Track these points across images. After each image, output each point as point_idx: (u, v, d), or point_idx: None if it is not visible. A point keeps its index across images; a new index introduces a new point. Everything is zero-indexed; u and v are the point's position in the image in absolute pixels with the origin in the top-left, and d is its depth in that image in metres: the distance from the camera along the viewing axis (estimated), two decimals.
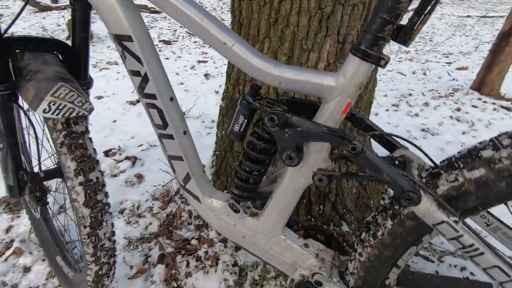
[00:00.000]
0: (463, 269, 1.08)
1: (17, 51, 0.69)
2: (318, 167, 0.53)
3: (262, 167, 0.60)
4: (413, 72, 3.62)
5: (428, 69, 3.76)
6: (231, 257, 1.10)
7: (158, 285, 1.03)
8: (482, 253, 0.42)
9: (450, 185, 0.44)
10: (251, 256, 1.10)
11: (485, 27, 7.40)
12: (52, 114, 0.61)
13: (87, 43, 0.74)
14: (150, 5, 6.51)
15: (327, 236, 0.71)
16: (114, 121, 2.18)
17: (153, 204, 1.37)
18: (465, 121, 2.27)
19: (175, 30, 5.52)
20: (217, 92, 2.71)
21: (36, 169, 0.91)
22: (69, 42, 0.74)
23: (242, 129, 0.56)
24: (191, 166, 0.65)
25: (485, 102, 2.63)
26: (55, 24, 5.19)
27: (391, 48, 4.65)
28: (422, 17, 0.39)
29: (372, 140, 0.64)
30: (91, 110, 0.66)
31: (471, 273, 1.07)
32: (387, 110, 2.49)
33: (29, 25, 5.00)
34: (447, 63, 4.15)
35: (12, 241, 1.20)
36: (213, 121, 2.17)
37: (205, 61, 3.72)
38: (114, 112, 2.29)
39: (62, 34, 4.40)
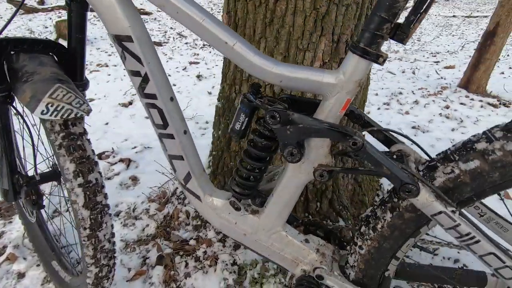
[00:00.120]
0: (456, 261, 1.11)
1: (12, 52, 0.68)
2: (319, 163, 0.54)
3: (263, 164, 0.61)
4: (402, 71, 3.69)
5: (417, 68, 3.84)
6: (230, 256, 1.10)
7: (157, 287, 1.03)
8: (478, 241, 0.44)
9: (446, 177, 0.46)
10: (250, 254, 1.11)
11: (470, 27, 7.60)
12: (50, 115, 0.61)
13: (84, 44, 0.74)
14: (139, 6, 6.44)
15: (326, 231, 0.72)
16: (107, 123, 2.16)
17: (149, 206, 1.36)
18: (454, 118, 2.33)
19: (165, 32, 5.49)
20: (210, 93, 2.71)
21: (28, 173, 0.89)
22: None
23: (243, 127, 0.57)
24: (191, 165, 0.65)
25: (472, 99, 2.70)
26: (42, 26, 5.10)
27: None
28: (418, 16, 0.41)
29: (369, 136, 0.66)
30: (89, 111, 0.66)
31: (464, 265, 1.10)
32: (378, 108, 2.54)
33: (15, 27, 4.90)
34: (435, 62, 4.26)
35: (5, 247, 1.17)
36: (207, 122, 2.17)
37: (197, 62, 3.71)
38: (106, 114, 2.26)
39: (50, 36, 4.33)
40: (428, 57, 4.59)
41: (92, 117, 2.19)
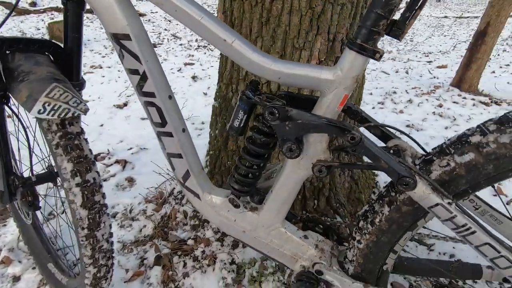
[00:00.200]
0: (452, 256, 1.13)
1: (7, 52, 0.68)
2: (318, 159, 0.55)
3: (261, 161, 0.61)
4: (396, 71, 3.74)
5: (410, 68, 3.89)
6: (228, 256, 1.10)
7: (155, 287, 1.03)
8: (474, 232, 0.45)
9: (442, 170, 0.47)
10: (248, 253, 1.11)
11: (461, 27, 7.72)
12: (47, 115, 0.61)
13: (80, 44, 0.74)
14: None
15: (324, 228, 0.73)
16: (101, 125, 2.14)
17: (146, 206, 1.35)
18: (447, 116, 2.36)
19: (159, 33, 5.47)
20: (205, 94, 2.71)
21: (24, 174, 0.89)
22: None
23: (242, 125, 0.57)
24: (190, 164, 0.66)
25: (464, 98, 2.74)
26: (34, 28, 5.05)
27: None
28: (413, 12, 0.42)
29: (366, 132, 0.67)
30: (86, 110, 0.66)
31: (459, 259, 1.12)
32: (373, 107, 2.56)
33: (7, 29, 4.83)
34: (428, 61, 4.32)
35: None
36: (203, 123, 2.17)
37: (192, 64, 3.71)
38: (100, 116, 2.25)
39: None
40: (421, 57, 4.65)
41: (87, 119, 2.17)
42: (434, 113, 2.43)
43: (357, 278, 0.62)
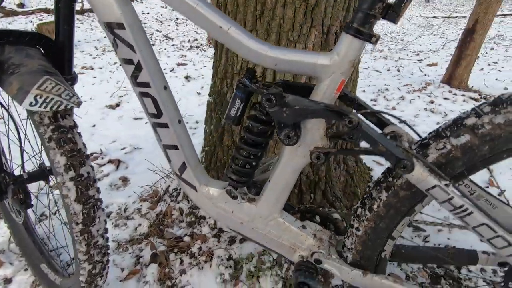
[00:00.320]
0: (447, 246, 1.14)
1: None
2: (315, 146, 0.55)
3: (259, 150, 0.61)
4: (387, 69, 3.78)
5: (401, 66, 3.94)
6: (225, 251, 1.10)
7: (152, 285, 1.01)
8: (471, 213, 0.46)
9: (439, 152, 0.48)
10: (245, 248, 1.11)
11: (450, 27, 7.86)
12: (39, 107, 0.59)
13: (72, 37, 0.72)
14: None
15: (322, 218, 0.73)
16: (94, 125, 2.11)
17: (141, 205, 1.34)
18: (438, 112, 2.40)
19: (151, 34, 5.44)
20: (199, 93, 2.70)
21: (15, 172, 0.87)
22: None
23: (238, 113, 0.57)
24: (186, 155, 0.65)
25: (455, 94, 2.79)
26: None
27: (366, 48, 4.84)
28: None
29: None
30: (79, 103, 0.65)
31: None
32: None
33: None
34: (418, 60, 4.38)
35: None
36: (196, 122, 2.16)
37: (185, 64, 3.69)
38: (92, 117, 2.22)
39: None
40: (411, 56, 4.72)
41: (79, 120, 2.14)
42: (426, 109, 2.46)
43: (356, 265, 0.62)
